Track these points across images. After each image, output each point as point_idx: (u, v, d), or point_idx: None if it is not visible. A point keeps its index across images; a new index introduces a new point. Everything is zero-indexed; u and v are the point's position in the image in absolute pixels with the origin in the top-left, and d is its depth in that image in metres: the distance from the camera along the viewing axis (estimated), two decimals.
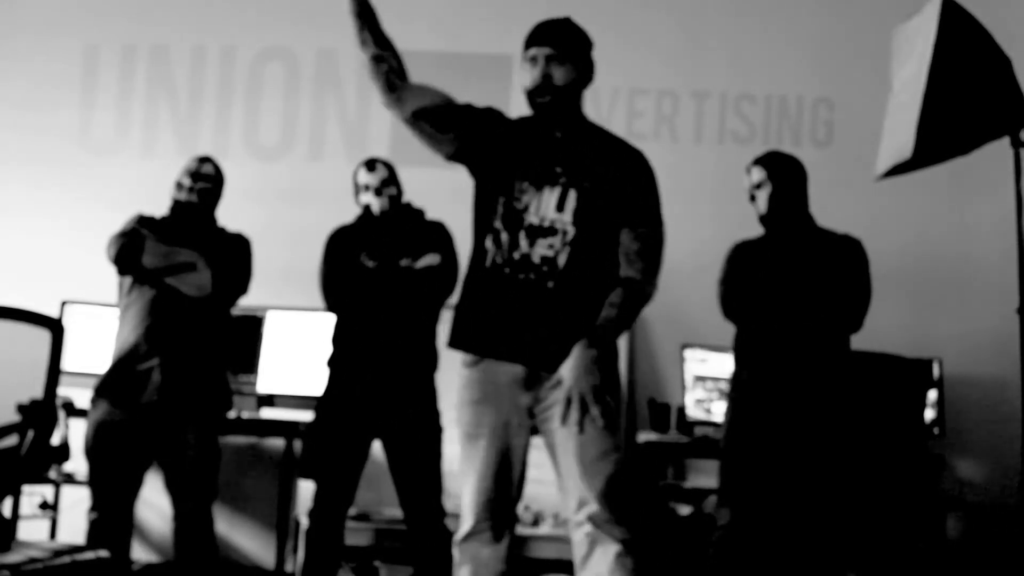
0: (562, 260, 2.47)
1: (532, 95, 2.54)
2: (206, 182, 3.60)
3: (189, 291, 3.45)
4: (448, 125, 2.56)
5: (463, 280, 2.62)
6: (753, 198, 3.48)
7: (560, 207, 2.49)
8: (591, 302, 2.48)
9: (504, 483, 2.53)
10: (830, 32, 5.05)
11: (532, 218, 2.49)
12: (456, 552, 2.57)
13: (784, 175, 3.46)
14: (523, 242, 2.49)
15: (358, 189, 3.58)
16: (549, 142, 2.56)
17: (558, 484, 2.53)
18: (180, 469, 3.43)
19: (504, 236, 2.51)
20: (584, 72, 2.57)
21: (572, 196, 2.49)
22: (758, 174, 3.47)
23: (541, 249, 2.47)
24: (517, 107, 4.90)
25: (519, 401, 2.51)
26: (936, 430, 4.47)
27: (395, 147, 4.94)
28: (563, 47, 2.53)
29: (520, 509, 4.14)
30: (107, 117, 5.17)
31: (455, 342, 2.57)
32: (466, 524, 2.53)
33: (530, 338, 2.47)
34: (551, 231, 2.48)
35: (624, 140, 2.63)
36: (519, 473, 2.56)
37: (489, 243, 2.52)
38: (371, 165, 3.56)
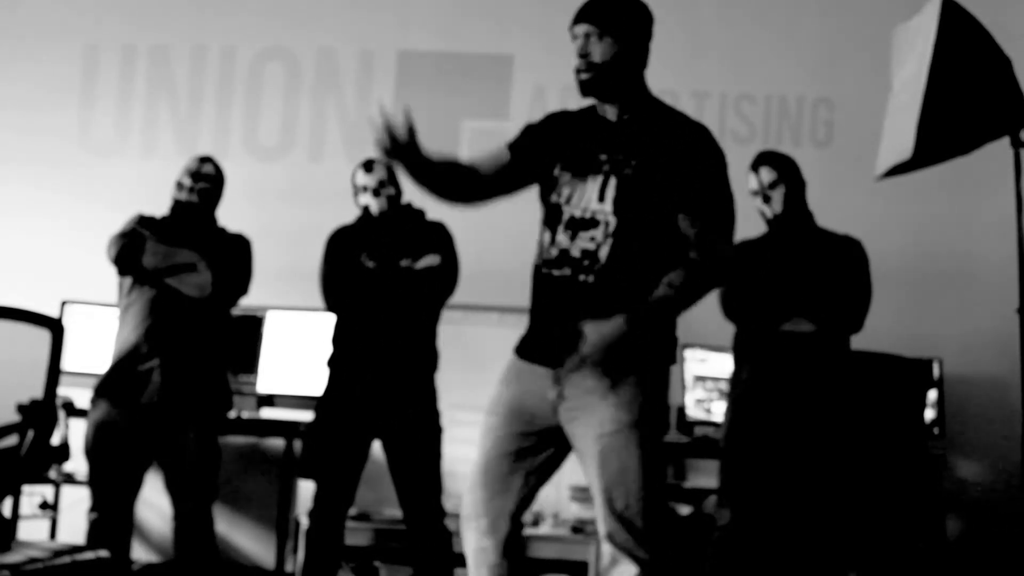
0: (604, 253, 2.33)
1: (577, 74, 2.40)
2: (206, 182, 3.60)
3: (189, 291, 3.45)
4: (513, 176, 2.48)
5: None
6: (768, 199, 3.45)
7: (601, 197, 2.35)
8: (636, 297, 2.32)
9: (509, 476, 2.38)
10: (830, 32, 5.04)
11: (574, 210, 2.37)
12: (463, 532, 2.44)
13: (795, 174, 3.47)
14: (562, 236, 2.37)
15: (356, 190, 3.58)
16: (597, 128, 2.43)
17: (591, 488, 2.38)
18: (180, 469, 3.43)
19: (545, 235, 2.41)
20: (632, 48, 2.39)
21: (612, 184, 2.35)
22: (769, 174, 3.45)
23: (582, 243, 2.35)
24: (517, 107, 4.96)
25: (547, 395, 2.35)
26: (936, 430, 4.47)
27: None
28: (602, 22, 2.37)
29: None
30: (107, 117, 5.17)
31: (516, 347, 2.47)
32: (473, 521, 2.41)
33: (556, 334, 2.33)
34: (592, 223, 2.35)
35: (689, 118, 2.46)
36: (532, 474, 2.40)
37: (536, 246, 2.45)
38: (369, 166, 3.56)
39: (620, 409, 2.31)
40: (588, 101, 2.49)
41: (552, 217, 2.41)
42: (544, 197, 2.46)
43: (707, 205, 2.38)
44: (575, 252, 2.35)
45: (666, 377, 2.44)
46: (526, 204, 2.61)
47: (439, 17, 5.13)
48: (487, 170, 2.47)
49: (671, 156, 2.36)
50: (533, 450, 2.41)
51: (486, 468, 2.40)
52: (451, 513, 3.13)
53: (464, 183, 2.46)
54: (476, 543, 2.40)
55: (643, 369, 2.36)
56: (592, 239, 2.35)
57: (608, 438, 2.30)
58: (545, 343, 2.38)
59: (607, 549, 2.34)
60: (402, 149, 2.25)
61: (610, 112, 2.44)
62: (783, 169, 3.45)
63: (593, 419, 2.31)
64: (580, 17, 2.41)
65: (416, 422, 3.45)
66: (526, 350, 2.43)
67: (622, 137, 2.40)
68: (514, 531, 2.41)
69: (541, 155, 2.47)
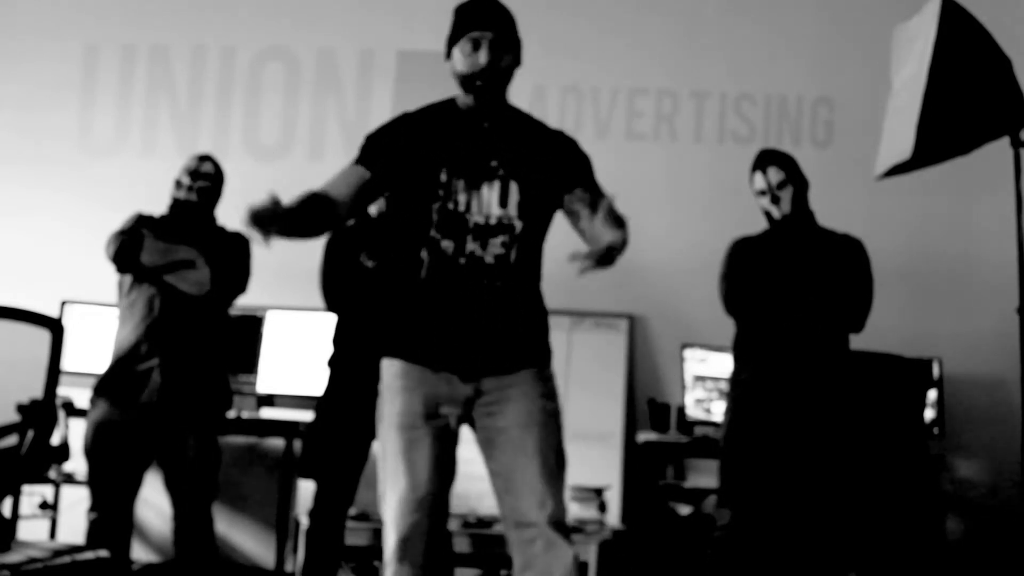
0: (513, 256, 2.37)
1: (472, 79, 2.38)
2: (206, 180, 3.60)
3: (188, 288, 3.45)
4: (367, 190, 2.42)
5: (390, 294, 2.49)
6: (776, 199, 3.44)
7: (503, 202, 2.37)
8: (537, 295, 2.45)
9: (439, 479, 2.36)
10: (830, 32, 5.05)
11: (476, 217, 2.36)
12: (391, 564, 2.35)
13: (801, 174, 3.47)
14: (471, 245, 2.35)
15: None
16: (477, 135, 2.42)
17: (495, 483, 2.37)
18: (180, 469, 3.43)
19: (446, 243, 2.36)
20: (518, 58, 2.46)
21: (514, 189, 2.38)
22: (777, 174, 3.44)
23: (495, 248, 2.36)
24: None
25: (457, 393, 2.36)
26: (936, 430, 4.47)
27: None
28: (506, 32, 2.41)
29: None
30: (107, 117, 5.17)
31: (401, 354, 2.40)
32: (395, 531, 2.32)
33: (473, 343, 2.35)
34: (499, 228, 2.36)
35: (549, 125, 2.54)
36: (452, 468, 2.41)
37: (424, 253, 2.38)
38: None
39: (544, 399, 2.39)
40: (424, 101, 2.51)
41: (455, 225, 2.37)
42: (428, 204, 2.38)
43: (594, 183, 2.45)
44: (489, 259, 2.36)
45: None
46: None
47: (439, 17, 5.07)
48: (343, 195, 2.38)
49: (553, 160, 2.43)
50: (451, 448, 2.41)
51: (424, 484, 2.34)
52: (451, 513, 3.13)
53: (324, 216, 2.36)
54: (415, 562, 2.34)
55: (549, 361, 2.46)
56: (503, 244, 2.37)
57: (539, 428, 2.35)
58: (459, 351, 2.36)
59: (535, 535, 2.30)
60: (271, 218, 2.14)
61: (484, 119, 2.44)
62: (790, 169, 3.45)
63: (518, 409, 2.36)
64: (486, 23, 2.40)
65: None
66: (431, 358, 2.37)
67: (504, 142, 2.43)
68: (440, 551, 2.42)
69: (405, 161, 2.41)
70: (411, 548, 2.33)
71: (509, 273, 2.38)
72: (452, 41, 2.45)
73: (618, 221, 2.23)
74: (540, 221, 2.44)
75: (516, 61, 2.45)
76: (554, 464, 2.36)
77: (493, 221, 2.37)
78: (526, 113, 2.54)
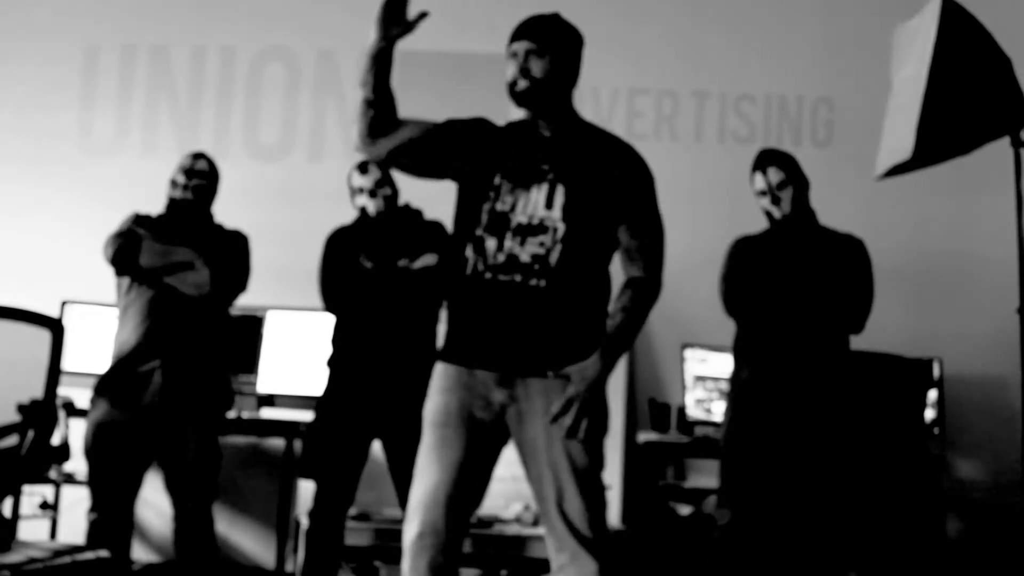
0: (554, 258, 2.39)
1: (511, 87, 2.48)
2: (201, 178, 3.59)
3: (188, 290, 3.45)
4: (429, 153, 2.51)
5: (447, 294, 2.55)
6: (777, 200, 3.44)
7: (549, 204, 2.42)
8: (585, 301, 2.44)
9: (466, 482, 2.40)
10: (830, 32, 5.05)
11: (520, 217, 2.42)
12: (405, 556, 2.39)
13: (801, 174, 3.47)
14: (510, 243, 2.41)
15: (353, 192, 3.58)
16: (535, 141, 2.50)
17: (533, 488, 2.41)
18: (180, 469, 3.43)
19: (490, 242, 2.42)
20: (567, 67, 2.51)
21: (560, 192, 2.42)
22: (777, 175, 3.44)
23: (531, 247, 2.40)
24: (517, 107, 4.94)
25: (492, 398, 2.41)
26: (936, 430, 4.47)
27: None
28: (542, 41, 2.47)
29: (520, 509, 4.15)
30: (107, 118, 5.17)
31: (444, 356, 2.50)
32: (415, 524, 2.37)
33: (509, 341, 2.38)
34: (540, 228, 2.41)
35: (617, 137, 2.58)
36: (484, 474, 2.44)
37: (469, 251, 2.45)
38: (363, 168, 3.56)
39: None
40: (514, 116, 2.56)
41: (498, 224, 2.43)
42: (480, 205, 2.47)
43: (644, 220, 2.49)
44: (525, 257, 2.40)
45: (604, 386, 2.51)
46: None
47: (439, 17, 5.11)
48: (415, 132, 2.49)
49: (609, 169, 2.47)
50: (484, 453, 2.44)
51: (449, 482, 2.38)
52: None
53: (390, 119, 2.48)
54: (431, 562, 2.36)
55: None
56: (541, 244, 2.40)
57: (564, 441, 2.35)
58: (490, 348, 2.41)
59: (568, 546, 2.34)
60: (397, 19, 2.42)
61: (544, 128, 2.52)
62: (791, 169, 3.45)
63: (545, 421, 2.36)
64: (521, 35, 2.49)
65: (416, 422, 3.43)
66: (467, 357, 2.43)
67: (562, 149, 2.49)
68: (466, 528, 2.45)
69: (474, 162, 2.50)
70: (426, 544, 2.35)
71: (550, 274, 2.39)
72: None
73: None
74: (588, 225, 2.43)
75: (561, 71, 2.49)
76: (580, 478, 2.36)
77: (535, 221, 2.42)
78: (596, 126, 2.59)
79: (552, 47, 2.48)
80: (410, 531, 2.38)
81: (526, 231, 2.41)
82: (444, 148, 2.52)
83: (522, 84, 2.46)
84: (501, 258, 2.41)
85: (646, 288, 2.47)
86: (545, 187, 2.44)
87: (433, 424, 2.44)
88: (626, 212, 2.46)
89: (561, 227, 2.41)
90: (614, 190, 2.45)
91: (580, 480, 2.36)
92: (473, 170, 2.50)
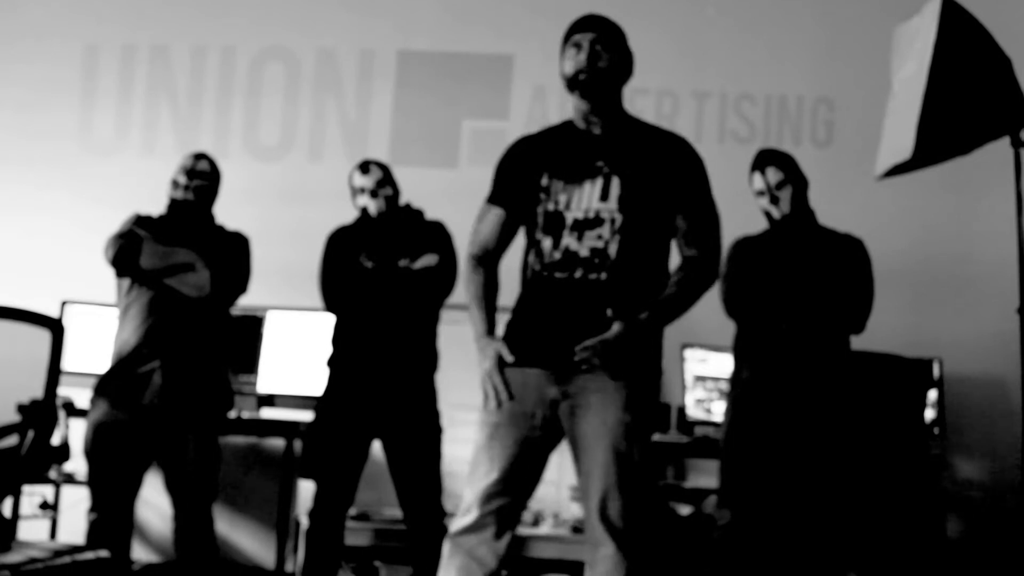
0: (613, 249, 2.40)
1: (575, 76, 2.49)
2: (202, 179, 3.59)
3: (188, 292, 3.44)
4: (515, 218, 2.56)
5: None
6: (775, 200, 3.44)
7: (604, 196, 2.43)
8: (644, 294, 2.42)
9: (517, 477, 2.43)
10: (830, 32, 5.05)
11: (575, 213, 2.43)
12: (448, 545, 2.46)
13: (800, 174, 3.47)
14: (567, 239, 2.42)
15: (354, 192, 3.58)
16: (586, 139, 2.52)
17: (579, 482, 2.43)
18: (180, 470, 3.43)
19: (546, 242, 2.44)
20: (623, 66, 2.56)
21: (616, 183, 2.43)
22: (776, 175, 3.44)
23: (590, 241, 2.41)
24: (517, 107, 4.95)
25: (546, 394, 2.42)
26: (936, 430, 4.47)
27: (394, 147, 4.95)
28: (606, 36, 2.52)
29: None
30: (107, 117, 5.17)
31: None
32: (468, 516, 2.42)
33: (565, 338, 2.38)
34: (597, 221, 2.41)
35: (668, 130, 2.60)
36: (535, 471, 2.47)
37: (531, 257, 2.48)
38: (365, 167, 3.57)
39: (624, 411, 2.38)
40: (552, 121, 2.61)
41: (553, 223, 2.45)
42: (535, 208, 2.49)
43: (699, 206, 2.51)
44: (584, 252, 2.41)
45: (658, 382, 2.53)
46: None
47: (439, 17, 5.12)
48: (494, 241, 2.58)
49: (662, 160, 2.48)
50: (536, 450, 2.46)
51: (500, 479, 2.42)
52: (451, 513, 3.13)
53: (496, 275, 2.59)
54: (472, 550, 2.42)
55: (642, 372, 2.44)
56: (599, 237, 2.41)
57: (610, 439, 2.36)
58: (543, 343, 2.42)
59: (601, 539, 2.37)
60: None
61: (595, 126, 2.53)
62: (789, 169, 3.45)
63: (598, 418, 2.38)
64: (587, 26, 2.53)
65: (416, 422, 3.45)
66: (520, 356, 2.44)
67: (615, 144, 2.50)
68: (515, 522, 2.48)
69: (526, 183, 2.52)
70: (468, 538, 2.41)
71: (610, 267, 2.40)
72: (562, 56, 2.55)
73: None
74: (645, 215, 2.44)
75: (620, 66, 2.54)
76: (626, 478, 2.36)
77: (592, 215, 2.43)
78: (645, 121, 2.61)
79: (614, 44, 2.53)
80: (461, 524, 2.43)
81: (583, 226, 2.42)
82: (517, 205, 2.55)
83: (585, 75, 2.48)
84: (557, 256, 2.43)
85: (700, 267, 2.48)
86: (600, 180, 2.45)
87: (485, 420, 2.46)
88: (681, 199, 2.47)
89: (619, 217, 2.42)
90: (669, 179, 2.46)
91: (626, 480, 2.37)
92: (524, 180, 2.52)
